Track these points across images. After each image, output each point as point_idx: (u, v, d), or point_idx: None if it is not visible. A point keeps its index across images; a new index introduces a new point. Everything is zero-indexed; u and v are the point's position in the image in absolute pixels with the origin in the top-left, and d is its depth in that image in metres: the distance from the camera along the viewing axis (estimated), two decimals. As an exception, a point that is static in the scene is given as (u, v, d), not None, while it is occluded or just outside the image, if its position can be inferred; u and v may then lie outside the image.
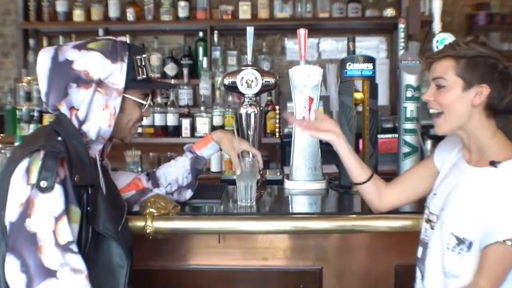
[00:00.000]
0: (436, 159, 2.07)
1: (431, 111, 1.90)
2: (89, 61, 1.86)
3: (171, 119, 4.67)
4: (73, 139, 1.84)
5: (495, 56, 1.78)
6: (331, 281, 2.39)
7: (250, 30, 2.77)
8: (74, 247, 1.68)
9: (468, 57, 1.78)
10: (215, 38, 5.21)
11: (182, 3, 5.19)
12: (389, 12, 5.25)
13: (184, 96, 4.94)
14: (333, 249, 2.42)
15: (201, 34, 5.26)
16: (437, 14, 2.83)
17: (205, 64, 4.98)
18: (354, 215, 2.30)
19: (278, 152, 4.61)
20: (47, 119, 4.61)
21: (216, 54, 5.17)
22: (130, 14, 5.23)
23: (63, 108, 1.86)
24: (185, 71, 4.96)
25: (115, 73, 1.88)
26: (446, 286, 1.84)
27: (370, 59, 2.68)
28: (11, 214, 1.67)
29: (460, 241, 1.79)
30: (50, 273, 1.62)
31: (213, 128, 4.64)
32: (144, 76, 1.97)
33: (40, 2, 5.29)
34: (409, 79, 2.72)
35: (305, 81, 2.72)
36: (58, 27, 5.37)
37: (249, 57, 2.81)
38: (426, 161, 2.15)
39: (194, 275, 2.41)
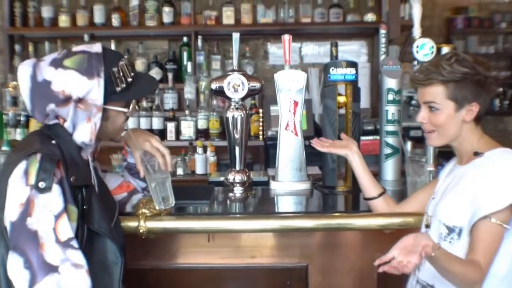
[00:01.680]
0: (439, 176, 2.20)
1: (426, 130, 2.04)
2: (66, 81, 1.86)
3: (156, 123, 4.73)
4: (66, 143, 1.90)
5: (477, 71, 1.90)
6: (316, 277, 2.47)
7: (235, 36, 2.85)
8: (74, 243, 1.75)
9: (456, 80, 1.90)
10: (199, 43, 5.27)
11: (166, 9, 5.23)
12: (370, 17, 5.33)
13: (169, 100, 4.98)
14: (318, 247, 2.50)
15: (185, 39, 5.32)
16: (417, 20, 2.92)
17: (189, 69, 5.05)
18: (338, 214, 2.41)
19: (262, 155, 4.67)
20: (33, 123, 4.65)
21: (200, 58, 5.23)
22: (115, 20, 5.25)
23: (49, 121, 1.92)
24: (170, 75, 5.01)
25: (93, 89, 1.88)
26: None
27: (352, 64, 2.77)
28: (12, 214, 1.73)
29: (451, 230, 1.91)
30: (52, 269, 1.68)
31: (198, 132, 4.72)
32: (124, 85, 1.96)
33: (26, 8, 5.32)
34: (390, 83, 2.83)
35: (290, 85, 2.80)
36: (43, 32, 5.39)
37: (234, 62, 2.88)
38: (433, 180, 2.29)
39: (184, 274, 2.47)
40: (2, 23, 5.37)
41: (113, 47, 5.17)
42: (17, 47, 5.30)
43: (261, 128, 4.67)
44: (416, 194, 2.33)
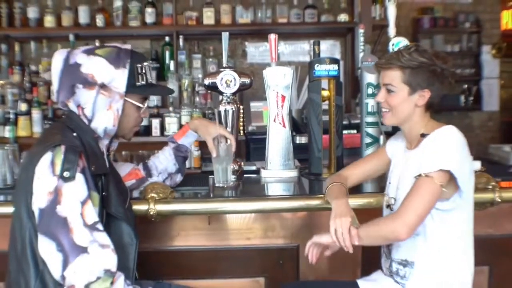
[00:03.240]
0: (388, 149, 2.45)
1: (383, 109, 2.29)
2: (94, 65, 2.05)
3: (141, 120, 4.87)
4: (85, 135, 2.07)
5: (434, 62, 2.15)
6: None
7: (225, 36, 3.03)
8: (99, 226, 1.91)
9: (412, 67, 2.15)
10: (181, 43, 5.42)
11: (149, 10, 5.37)
12: (343, 17, 5.55)
13: (153, 97, 5.10)
14: (308, 228, 2.64)
15: (167, 38, 5.46)
16: (391, 21, 3.15)
17: (172, 67, 5.20)
18: (321, 195, 2.51)
19: (243, 149, 4.83)
20: (22, 121, 4.80)
21: (182, 57, 5.38)
22: (100, 20, 5.36)
23: (71, 105, 2.09)
24: (153, 74, 5.11)
25: (117, 78, 2.06)
26: (415, 243, 2.17)
27: (335, 61, 2.95)
28: (40, 202, 1.88)
29: None
30: (82, 250, 1.84)
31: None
32: (144, 82, 2.13)
33: (12, 9, 5.38)
34: (369, 78, 3.01)
35: (278, 81, 3.00)
36: (29, 32, 5.46)
37: (224, 59, 3.05)
38: (380, 150, 2.53)
39: (184, 255, 2.61)
40: (-12, 23, 5.41)
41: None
42: (3, 47, 5.37)
43: (242, 123, 4.84)
44: (366, 160, 2.57)
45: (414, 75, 2.15)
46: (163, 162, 2.59)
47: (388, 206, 2.30)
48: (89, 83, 2.05)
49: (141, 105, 2.20)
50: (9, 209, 2.32)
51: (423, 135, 2.19)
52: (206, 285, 2.57)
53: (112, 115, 2.10)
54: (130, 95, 2.14)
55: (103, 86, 2.05)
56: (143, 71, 2.15)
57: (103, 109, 2.08)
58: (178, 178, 2.66)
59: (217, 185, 2.59)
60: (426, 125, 2.21)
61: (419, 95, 2.17)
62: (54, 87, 2.11)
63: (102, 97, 2.06)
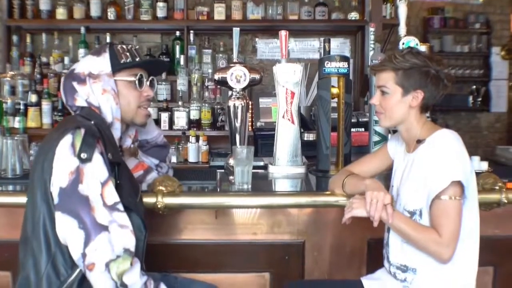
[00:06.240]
0: (389, 149, 2.47)
1: (378, 112, 2.31)
2: (83, 63, 2.24)
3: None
4: (101, 123, 2.13)
5: (427, 64, 2.17)
6: (312, 252, 2.66)
7: (236, 31, 3.06)
8: (120, 207, 1.96)
9: (404, 68, 2.18)
10: (191, 38, 5.42)
11: (160, 4, 5.37)
12: (353, 15, 5.54)
13: (163, 91, 5.21)
14: (314, 225, 2.67)
15: (178, 33, 5.46)
16: (402, 20, 3.17)
17: (182, 62, 5.21)
18: (328, 192, 2.57)
19: (251, 144, 4.82)
20: (31, 112, 4.83)
21: (192, 52, 5.39)
22: (111, 13, 5.36)
23: (80, 101, 2.18)
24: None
25: (100, 62, 2.19)
26: (404, 250, 2.20)
27: (345, 58, 2.98)
28: (61, 181, 1.93)
29: (412, 213, 2.17)
30: (104, 228, 1.90)
31: (190, 122, 4.94)
32: (129, 60, 2.23)
33: (24, 0, 5.39)
34: (379, 76, 3.05)
35: (287, 78, 3.02)
36: (41, 24, 5.46)
37: (235, 55, 3.08)
38: (382, 150, 2.53)
39: (190, 249, 2.64)
40: (1, 14, 5.42)
41: (108, 39, 5.31)
42: (14, 38, 5.37)
43: (250, 119, 4.85)
44: (369, 159, 2.56)
45: (406, 76, 2.18)
46: (145, 159, 2.61)
47: None
48: (82, 79, 2.18)
49: (131, 78, 2.25)
50: (18, 199, 2.37)
51: (419, 141, 2.21)
52: (211, 278, 2.55)
53: (110, 95, 2.18)
54: (118, 74, 2.23)
55: (91, 75, 2.18)
56: (126, 51, 2.26)
57: (99, 95, 2.17)
58: (164, 167, 2.68)
59: (237, 187, 2.62)
60: (422, 128, 2.23)
61: (413, 96, 2.19)
62: (64, 99, 2.25)
63: (95, 85, 2.17)
